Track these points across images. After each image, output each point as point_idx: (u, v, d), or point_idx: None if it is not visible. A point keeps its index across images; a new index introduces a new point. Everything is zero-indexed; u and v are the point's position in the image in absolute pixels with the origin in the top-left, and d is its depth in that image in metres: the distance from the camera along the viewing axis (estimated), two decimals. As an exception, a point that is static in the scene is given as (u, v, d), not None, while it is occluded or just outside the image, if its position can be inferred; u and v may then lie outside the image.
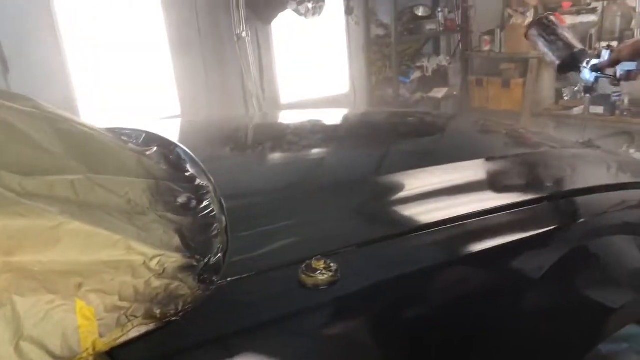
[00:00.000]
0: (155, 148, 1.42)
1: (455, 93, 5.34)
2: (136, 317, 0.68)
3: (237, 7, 3.75)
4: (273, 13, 4.00)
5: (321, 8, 4.08)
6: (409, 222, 1.03)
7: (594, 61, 1.42)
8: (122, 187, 0.93)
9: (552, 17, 1.53)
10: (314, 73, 4.62)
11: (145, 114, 3.83)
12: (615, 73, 1.38)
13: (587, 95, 1.51)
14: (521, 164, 1.39)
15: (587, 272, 1.06)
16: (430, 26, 4.96)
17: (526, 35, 1.56)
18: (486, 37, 5.08)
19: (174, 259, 0.78)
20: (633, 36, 4.01)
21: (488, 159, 1.35)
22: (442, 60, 5.25)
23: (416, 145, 1.50)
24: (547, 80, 4.72)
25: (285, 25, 4.26)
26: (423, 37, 5.15)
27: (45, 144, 1.02)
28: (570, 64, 1.48)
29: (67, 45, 3.50)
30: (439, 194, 1.15)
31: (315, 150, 1.44)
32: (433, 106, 5.35)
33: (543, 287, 1.01)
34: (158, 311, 0.70)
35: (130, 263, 0.72)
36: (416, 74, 5.13)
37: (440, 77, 5.30)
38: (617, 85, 1.47)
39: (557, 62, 1.49)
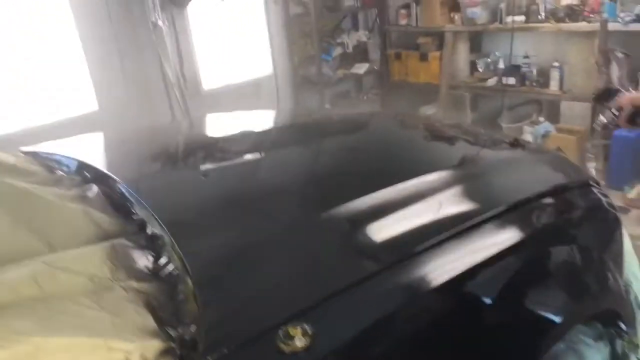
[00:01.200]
0: (95, 188, 1.36)
1: (375, 67, 5.43)
2: None
3: (151, -7, 3.56)
4: (188, -2, 3.84)
5: (238, -10, 3.97)
6: (369, 263, 1.07)
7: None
8: (82, 263, 0.90)
9: (621, 54, 1.70)
10: (235, 56, 4.52)
11: (60, 113, 3.60)
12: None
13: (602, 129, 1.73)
14: (455, 180, 1.45)
15: (530, 288, 1.16)
16: (348, 2, 4.97)
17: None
18: (403, 11, 5.17)
19: (154, 347, 0.77)
20: (538, 11, 4.23)
21: (425, 179, 1.39)
22: (362, 35, 5.29)
23: (346, 168, 1.50)
24: (463, 53, 4.90)
25: (201, 9, 4.11)
26: (342, 13, 5.15)
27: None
28: (603, 96, 1.64)
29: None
30: (381, 226, 1.19)
31: (262, 185, 1.41)
32: (355, 82, 5.42)
33: (490, 310, 1.10)
34: (148, 411, 0.70)
35: (113, 364, 0.71)
36: (337, 51, 5.15)
37: (360, 52, 5.36)
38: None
39: (597, 90, 1.66)
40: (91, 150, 1.94)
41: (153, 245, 1.09)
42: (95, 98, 3.76)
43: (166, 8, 3.74)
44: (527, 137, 4.27)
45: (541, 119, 4.40)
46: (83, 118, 3.69)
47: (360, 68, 5.27)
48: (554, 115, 4.37)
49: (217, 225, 1.18)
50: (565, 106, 4.28)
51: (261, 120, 2.22)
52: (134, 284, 0.93)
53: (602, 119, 1.63)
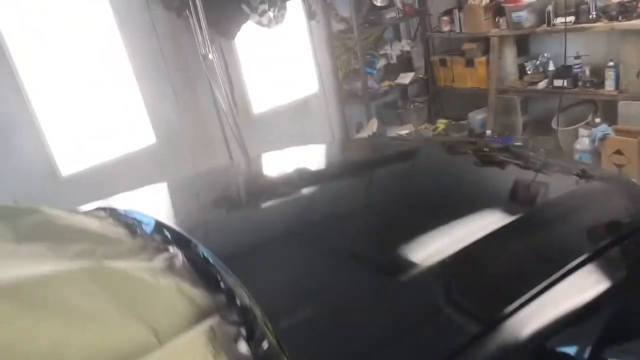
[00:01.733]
0: (180, 256, 1.42)
1: (420, 75, 5.40)
2: None
3: (200, 28, 3.66)
4: (236, 28, 3.93)
5: (283, 15, 4.04)
6: (474, 323, 1.09)
7: None
8: (189, 354, 0.96)
9: None
10: (282, 78, 4.59)
11: (120, 148, 3.76)
12: None
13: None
14: (534, 223, 1.44)
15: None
16: (389, 14, 4.96)
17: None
18: (445, 18, 5.12)
19: None
20: (588, 10, 4.11)
21: (508, 223, 1.40)
22: (405, 45, 5.27)
23: (426, 216, 1.50)
24: (510, 57, 4.81)
25: (246, 35, 4.19)
26: (383, 26, 5.15)
27: (93, 308, 1.03)
28: None
29: (29, 89, 3.37)
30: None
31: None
32: (401, 92, 5.40)
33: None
34: None
35: None
36: (381, 62, 5.15)
37: (404, 62, 5.34)
38: None
39: None
40: (164, 203, 2.02)
41: (245, 319, 1.14)
42: (153, 131, 3.91)
43: (215, 40, 3.83)
44: (584, 140, 4.15)
45: (597, 120, 4.27)
46: (143, 152, 3.84)
47: (406, 78, 5.25)
48: (610, 116, 4.23)
49: (312, 293, 1.20)
50: (622, 106, 4.13)
51: (325, 160, 2.26)
52: (237, 368, 0.98)
53: None
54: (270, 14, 3.91)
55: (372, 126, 5.01)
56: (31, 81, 3.37)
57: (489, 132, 4.84)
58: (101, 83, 3.66)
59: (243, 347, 1.07)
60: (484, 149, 2.42)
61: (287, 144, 4.14)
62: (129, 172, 3.66)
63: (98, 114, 3.68)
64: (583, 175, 1.76)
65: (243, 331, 1.11)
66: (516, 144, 4.55)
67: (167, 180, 2.30)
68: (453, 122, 5.31)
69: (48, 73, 3.45)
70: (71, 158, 3.59)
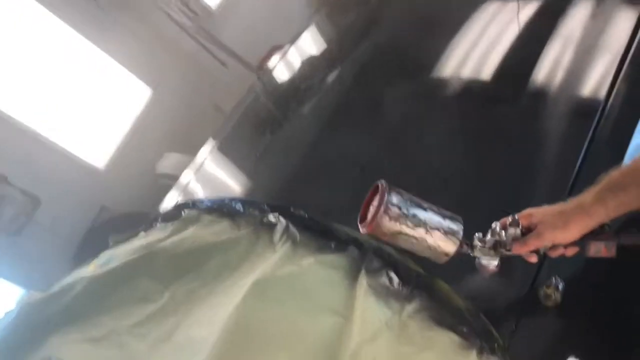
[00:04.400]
0: (290, 226, 1.40)
1: None
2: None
3: None
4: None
5: None
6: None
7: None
8: (369, 320, 1.13)
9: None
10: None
11: (127, 117, 3.77)
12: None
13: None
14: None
15: None
16: None
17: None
18: None
19: None
20: None
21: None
22: None
23: None
24: None
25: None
26: None
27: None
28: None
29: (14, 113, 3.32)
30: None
31: None
32: None
33: None
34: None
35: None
36: None
37: None
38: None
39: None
40: (231, 174, 2.03)
41: (385, 261, 1.27)
42: (143, 84, 3.86)
43: None
44: None
45: None
46: (148, 108, 3.85)
47: None
48: None
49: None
50: None
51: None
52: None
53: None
54: None
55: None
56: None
57: None
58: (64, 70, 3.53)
59: (398, 284, 1.21)
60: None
61: (261, 13, 3.96)
62: (149, 131, 3.74)
63: (86, 99, 3.63)
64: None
65: (390, 272, 1.25)
66: None
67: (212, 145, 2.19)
68: None
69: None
70: (93, 151, 3.66)
